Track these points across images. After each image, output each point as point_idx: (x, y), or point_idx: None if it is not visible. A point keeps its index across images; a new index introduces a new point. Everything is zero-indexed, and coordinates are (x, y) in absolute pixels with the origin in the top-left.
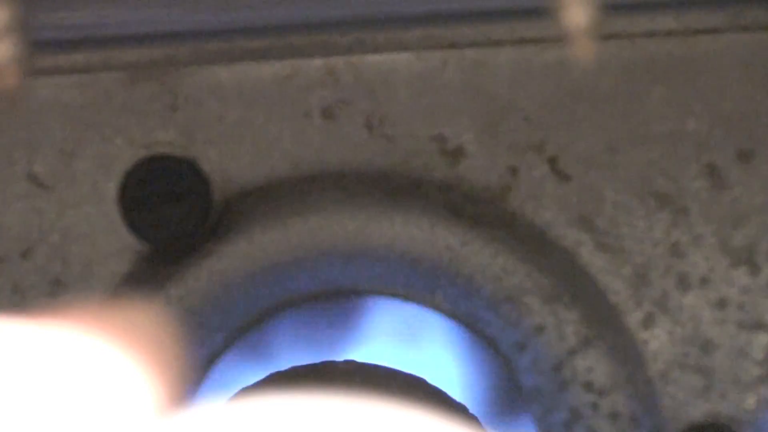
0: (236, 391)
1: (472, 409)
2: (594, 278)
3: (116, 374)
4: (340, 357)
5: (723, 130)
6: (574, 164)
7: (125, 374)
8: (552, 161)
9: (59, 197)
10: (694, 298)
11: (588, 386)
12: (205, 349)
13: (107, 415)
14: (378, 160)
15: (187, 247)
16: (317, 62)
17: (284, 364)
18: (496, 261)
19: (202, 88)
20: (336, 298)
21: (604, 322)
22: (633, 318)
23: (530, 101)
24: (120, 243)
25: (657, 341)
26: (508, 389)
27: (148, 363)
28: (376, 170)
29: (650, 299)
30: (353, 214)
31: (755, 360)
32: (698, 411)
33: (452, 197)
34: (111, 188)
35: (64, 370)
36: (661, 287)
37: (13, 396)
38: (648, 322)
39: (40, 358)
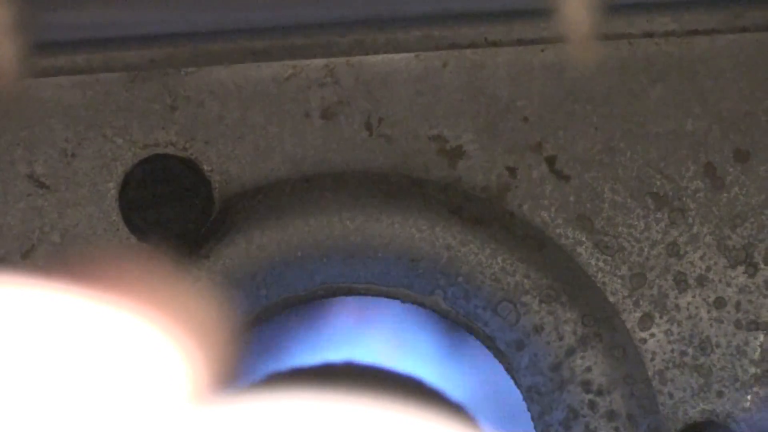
0: (236, 391)
1: (469, 409)
2: (592, 278)
3: (157, 355)
4: (339, 357)
5: (721, 131)
6: (572, 164)
7: (166, 354)
8: (550, 161)
9: (60, 197)
10: (691, 297)
11: (586, 385)
12: None
13: (145, 395)
14: (377, 161)
15: (187, 248)
16: (317, 63)
17: (284, 363)
18: (494, 261)
19: (203, 88)
20: (335, 298)
21: (602, 322)
22: (631, 317)
23: (529, 101)
24: (120, 243)
25: (655, 341)
26: (507, 388)
27: (190, 343)
28: (375, 170)
29: (648, 299)
30: (353, 214)
31: (752, 359)
32: (696, 410)
33: (451, 197)
34: (111, 188)
35: (106, 346)
36: (658, 287)
37: (51, 371)
38: (646, 321)
39: (86, 332)
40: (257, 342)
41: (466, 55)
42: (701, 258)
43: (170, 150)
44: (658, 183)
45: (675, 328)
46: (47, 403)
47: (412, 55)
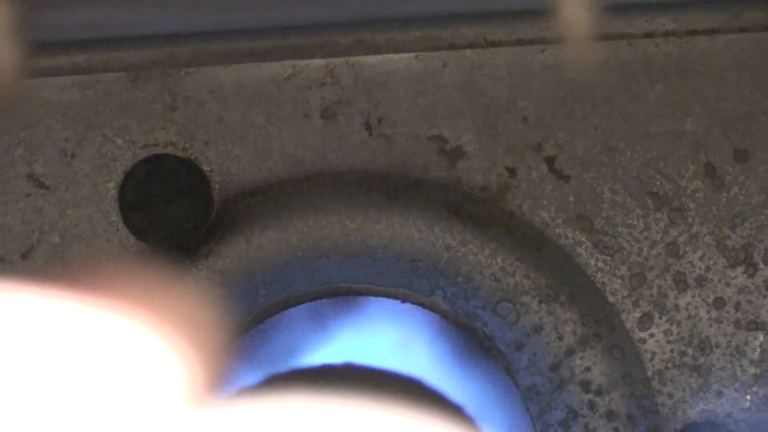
0: (235, 392)
1: (469, 409)
2: (591, 278)
3: (154, 356)
4: (338, 358)
5: (721, 130)
6: (572, 164)
7: (162, 357)
8: (550, 161)
9: (59, 197)
10: (691, 297)
11: (585, 385)
12: None
13: (139, 398)
14: (377, 161)
15: (186, 248)
16: (317, 63)
17: (283, 364)
18: (494, 261)
19: (202, 88)
20: (335, 298)
21: (601, 322)
22: (630, 317)
23: (529, 102)
24: (120, 243)
25: (654, 341)
26: (506, 388)
27: (186, 346)
28: (375, 170)
29: (647, 299)
30: (352, 214)
31: (752, 359)
32: (695, 410)
33: (451, 197)
34: (111, 188)
35: (103, 349)
36: (658, 287)
37: (47, 373)
38: (645, 321)
39: (84, 335)
40: (256, 342)
41: (466, 55)
42: (701, 258)
43: (170, 150)
44: (658, 183)
45: (674, 328)
46: (44, 404)
47: (412, 55)
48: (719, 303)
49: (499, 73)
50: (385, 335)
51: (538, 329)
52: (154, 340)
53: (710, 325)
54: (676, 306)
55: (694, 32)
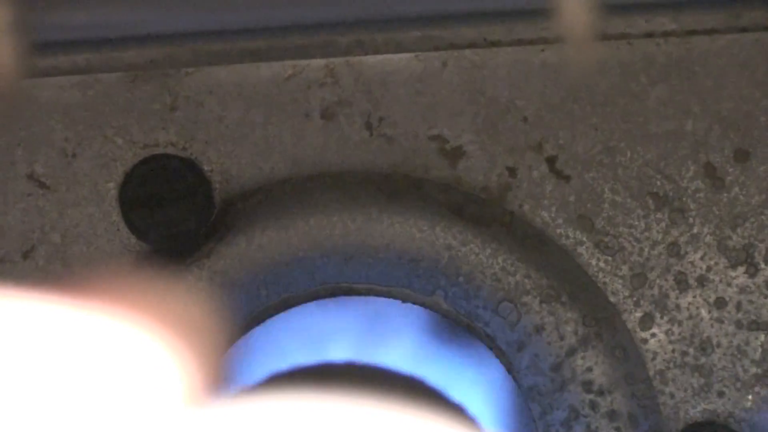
0: (236, 391)
1: (470, 409)
2: (593, 278)
3: (149, 359)
4: (340, 357)
5: (721, 130)
6: (572, 164)
7: (157, 359)
8: (551, 161)
9: (60, 197)
10: (692, 297)
11: (587, 385)
12: None
13: (137, 400)
14: (377, 161)
15: (187, 248)
16: (317, 63)
17: (284, 363)
18: (495, 261)
19: (203, 88)
20: (336, 298)
21: (602, 322)
22: (632, 317)
23: (529, 102)
24: (120, 243)
25: (655, 341)
26: (507, 388)
27: (187, 346)
28: (375, 170)
29: (649, 299)
30: (353, 214)
31: (753, 359)
32: (697, 410)
33: (451, 197)
34: (111, 188)
35: (98, 352)
36: (659, 287)
37: (41, 378)
38: (646, 321)
39: (76, 339)
40: (257, 342)
41: (466, 55)
42: (702, 258)
43: (170, 150)
44: (659, 183)
45: (676, 328)
46: (42, 405)
47: (412, 55)
48: (720, 303)
49: (499, 73)
50: (385, 335)
51: (539, 329)
52: (154, 340)
53: (711, 325)
54: (678, 306)
55: (694, 32)
